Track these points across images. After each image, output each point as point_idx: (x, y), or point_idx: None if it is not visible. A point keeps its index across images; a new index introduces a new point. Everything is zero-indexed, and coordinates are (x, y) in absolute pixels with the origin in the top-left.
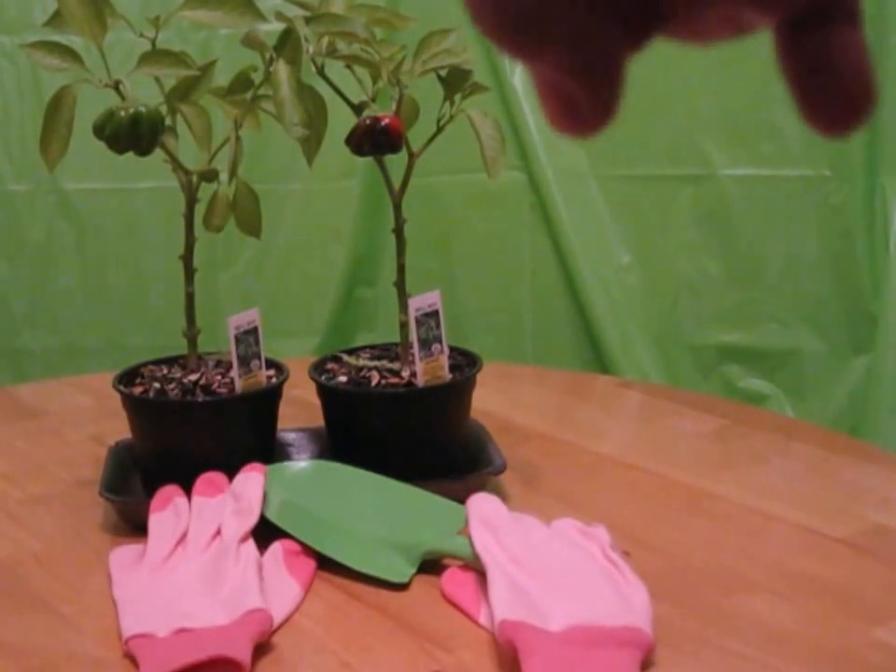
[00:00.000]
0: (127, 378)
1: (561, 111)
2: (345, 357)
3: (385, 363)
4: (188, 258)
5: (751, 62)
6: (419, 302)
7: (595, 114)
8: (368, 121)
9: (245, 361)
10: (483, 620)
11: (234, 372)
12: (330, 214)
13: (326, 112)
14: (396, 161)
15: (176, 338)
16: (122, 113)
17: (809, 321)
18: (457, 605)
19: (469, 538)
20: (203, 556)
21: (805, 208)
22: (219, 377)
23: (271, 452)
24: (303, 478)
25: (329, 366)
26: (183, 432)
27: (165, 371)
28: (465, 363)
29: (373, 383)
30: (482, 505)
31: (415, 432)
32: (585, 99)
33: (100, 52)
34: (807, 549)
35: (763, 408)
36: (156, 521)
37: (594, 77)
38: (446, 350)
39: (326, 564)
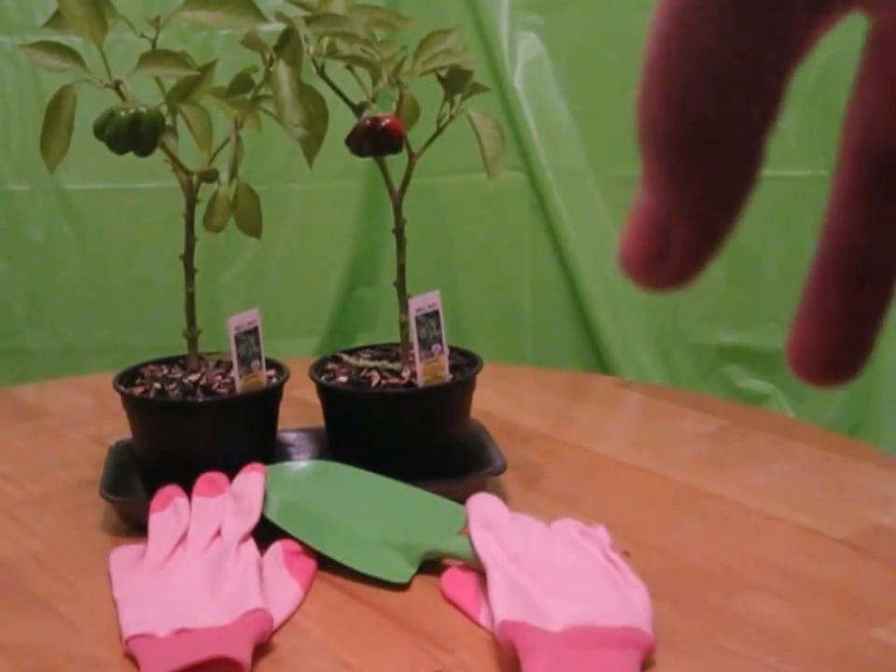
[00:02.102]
0: (127, 378)
1: (647, 251)
2: (346, 358)
3: (386, 363)
4: (188, 258)
5: None
6: (419, 303)
7: (684, 266)
8: (368, 122)
9: (245, 361)
10: (483, 620)
11: (235, 373)
12: (330, 214)
13: (326, 112)
14: (396, 162)
15: (177, 338)
16: (123, 113)
17: None
18: (458, 605)
19: (470, 538)
20: (203, 556)
21: (805, 208)
22: (220, 377)
23: (271, 452)
24: (304, 478)
25: (330, 366)
26: (183, 432)
27: (166, 372)
28: (465, 363)
29: (374, 383)
30: (482, 505)
31: (415, 432)
32: (686, 247)
33: (100, 53)
34: (807, 549)
35: (763, 408)
36: (156, 521)
37: (715, 222)
38: (446, 350)
39: (326, 564)
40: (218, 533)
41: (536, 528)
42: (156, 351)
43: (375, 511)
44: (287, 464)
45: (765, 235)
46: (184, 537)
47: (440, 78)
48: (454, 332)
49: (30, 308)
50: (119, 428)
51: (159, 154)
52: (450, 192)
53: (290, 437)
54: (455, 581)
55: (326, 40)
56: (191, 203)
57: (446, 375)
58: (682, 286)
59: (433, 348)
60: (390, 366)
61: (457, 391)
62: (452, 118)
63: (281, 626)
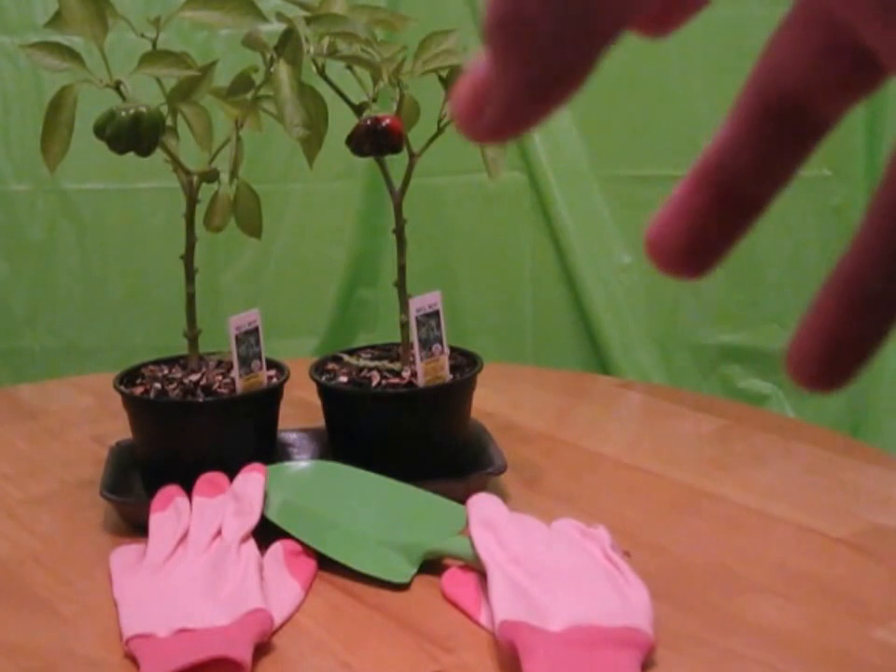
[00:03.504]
0: (128, 378)
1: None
2: (346, 358)
3: (386, 363)
4: (188, 258)
5: (752, 62)
6: (420, 303)
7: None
8: (368, 122)
9: (245, 361)
10: (483, 620)
11: (235, 373)
12: (331, 214)
13: (326, 112)
14: (396, 162)
15: (177, 338)
16: (123, 113)
17: None
18: (458, 605)
19: (470, 538)
20: (203, 556)
21: (806, 208)
22: (220, 377)
23: (271, 452)
24: (304, 478)
25: (330, 366)
26: (184, 432)
27: (166, 372)
28: (465, 363)
29: (374, 383)
30: (482, 505)
31: (416, 432)
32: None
33: (101, 53)
34: (808, 549)
35: (763, 408)
36: (157, 521)
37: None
38: (447, 350)
39: (326, 564)
40: (219, 533)
41: (536, 528)
42: (156, 351)
43: (375, 510)
44: (287, 464)
45: (765, 235)
46: (184, 537)
47: (440, 78)
48: (454, 332)
49: (30, 308)
50: (119, 428)
51: (159, 154)
52: (450, 192)
53: (290, 437)
54: (456, 581)
55: (326, 40)
56: (192, 202)
57: (446, 375)
58: (501, 135)
59: (433, 348)
60: (390, 366)
61: (458, 391)
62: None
63: (281, 626)
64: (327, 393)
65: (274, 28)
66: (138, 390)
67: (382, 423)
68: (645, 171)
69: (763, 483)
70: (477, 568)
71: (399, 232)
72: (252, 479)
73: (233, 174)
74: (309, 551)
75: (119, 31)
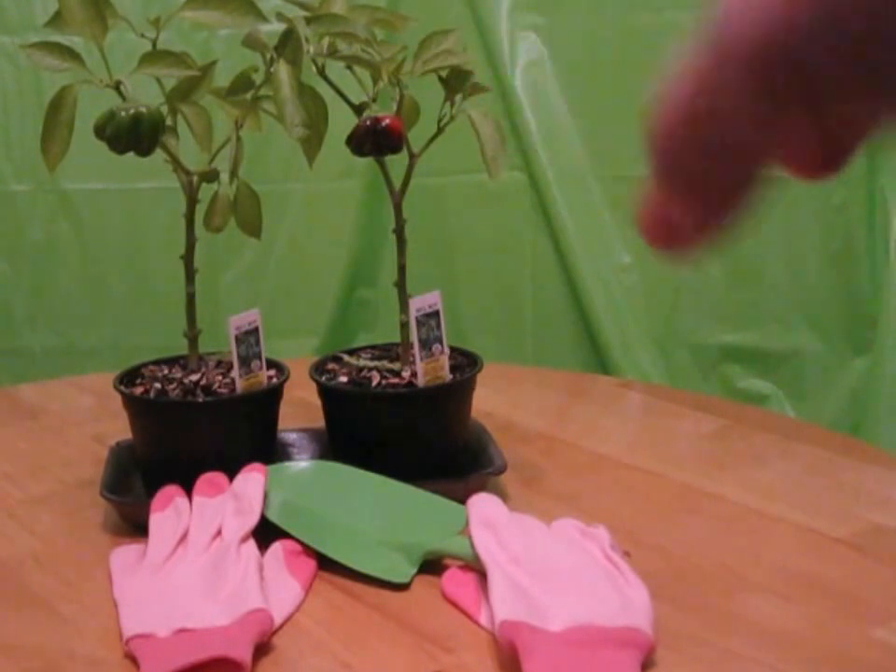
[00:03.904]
0: (128, 378)
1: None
2: (346, 358)
3: (386, 363)
4: (188, 258)
5: None
6: (420, 303)
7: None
8: (368, 122)
9: (245, 361)
10: (483, 620)
11: (235, 373)
12: (331, 214)
13: (326, 112)
14: (396, 162)
15: (177, 338)
16: (123, 113)
17: (809, 321)
18: (458, 605)
19: (470, 538)
20: (203, 556)
21: (806, 208)
22: (220, 377)
23: (271, 452)
24: (304, 478)
25: (330, 366)
26: (184, 432)
27: (166, 372)
28: (465, 363)
29: (374, 383)
30: (482, 505)
31: (416, 432)
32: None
33: (101, 53)
34: (807, 549)
35: (763, 408)
36: (157, 521)
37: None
38: (447, 350)
39: (326, 564)
40: (219, 533)
41: (536, 528)
42: (156, 351)
43: (375, 510)
44: (287, 464)
45: (765, 235)
46: (184, 537)
47: (440, 78)
48: (454, 332)
49: (30, 308)
50: (119, 428)
51: (159, 154)
52: (450, 192)
53: (290, 437)
54: (456, 581)
55: (326, 40)
56: (192, 203)
57: (446, 375)
58: (693, 251)
59: (433, 348)
60: (390, 366)
61: (458, 391)
62: (452, 118)
63: (281, 626)
64: (327, 393)
65: (274, 28)
66: (138, 390)
67: (382, 423)
68: (645, 171)
69: (763, 483)
70: (477, 568)
71: (399, 232)
72: (252, 479)
73: (233, 174)
74: (309, 551)
75: (119, 31)
